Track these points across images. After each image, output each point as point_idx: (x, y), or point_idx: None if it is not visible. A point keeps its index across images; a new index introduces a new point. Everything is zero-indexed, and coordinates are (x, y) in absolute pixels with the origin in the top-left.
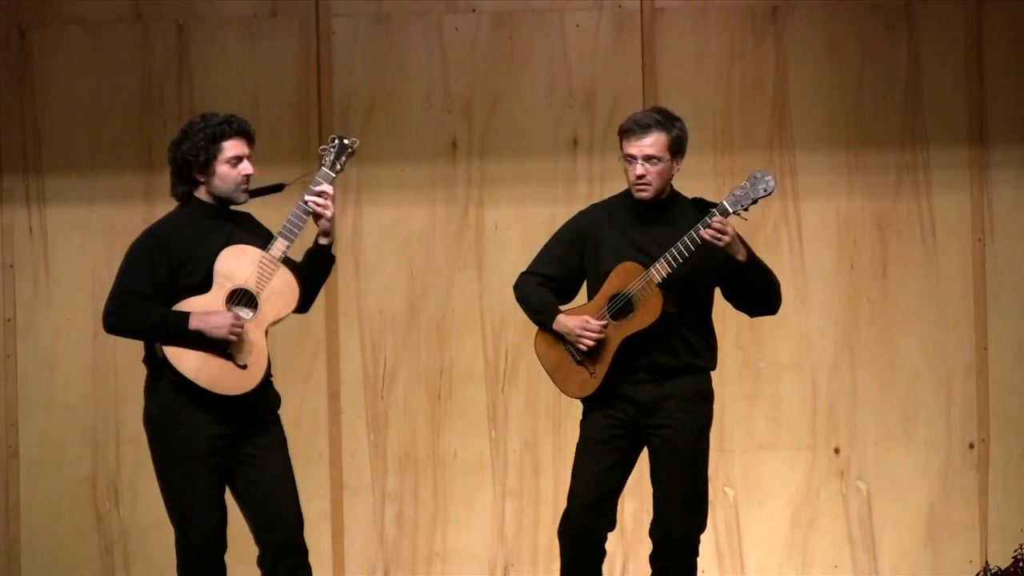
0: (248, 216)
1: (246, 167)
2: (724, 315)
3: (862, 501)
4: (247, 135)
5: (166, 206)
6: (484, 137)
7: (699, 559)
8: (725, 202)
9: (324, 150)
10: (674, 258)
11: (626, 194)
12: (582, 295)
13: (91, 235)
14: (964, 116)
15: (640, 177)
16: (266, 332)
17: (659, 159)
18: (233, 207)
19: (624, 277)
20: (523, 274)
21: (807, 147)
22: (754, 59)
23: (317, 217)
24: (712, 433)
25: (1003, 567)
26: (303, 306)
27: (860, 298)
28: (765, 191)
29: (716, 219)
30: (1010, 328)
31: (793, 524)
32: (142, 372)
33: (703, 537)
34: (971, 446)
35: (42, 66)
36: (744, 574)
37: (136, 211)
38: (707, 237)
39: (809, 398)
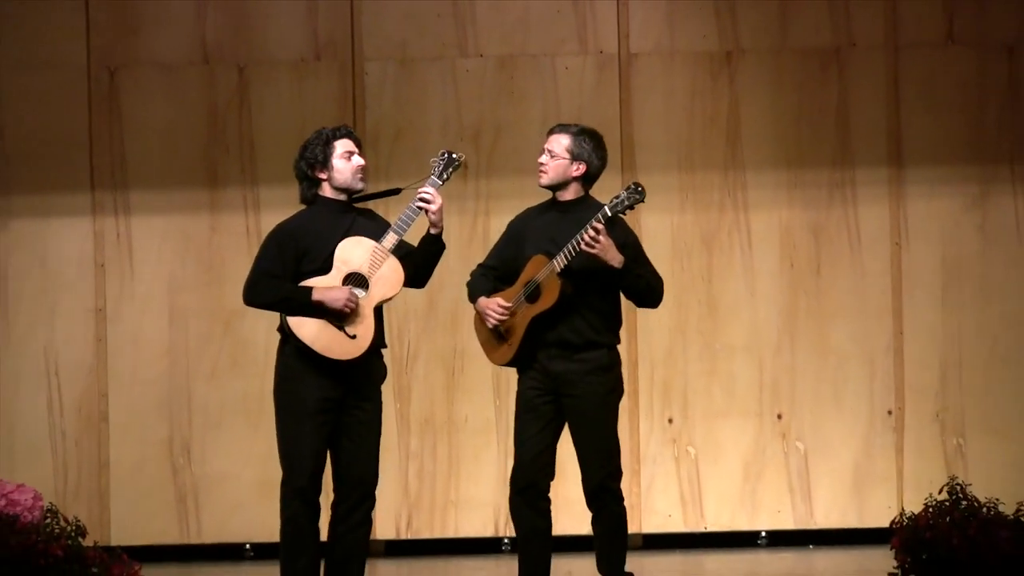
0: (370, 210)
1: (358, 159)
2: (687, 305)
3: (800, 458)
4: (353, 137)
5: (229, 216)
6: (490, 160)
7: (665, 507)
8: (606, 207)
9: (434, 162)
10: (568, 253)
11: (552, 198)
12: None
13: (167, 240)
14: (884, 142)
15: (540, 164)
16: (376, 309)
17: (557, 155)
18: (357, 205)
19: (535, 266)
20: (476, 267)
21: (755, 167)
22: (712, 95)
23: (428, 213)
24: (676, 401)
25: (916, 512)
26: (420, 282)
27: (798, 292)
28: (636, 197)
29: (590, 232)
30: (922, 316)
31: (744, 477)
32: (212, 353)
33: (669, 487)
34: (889, 412)
35: (127, 101)
36: (704, 518)
37: (203, 220)
38: (585, 241)
39: (756, 374)
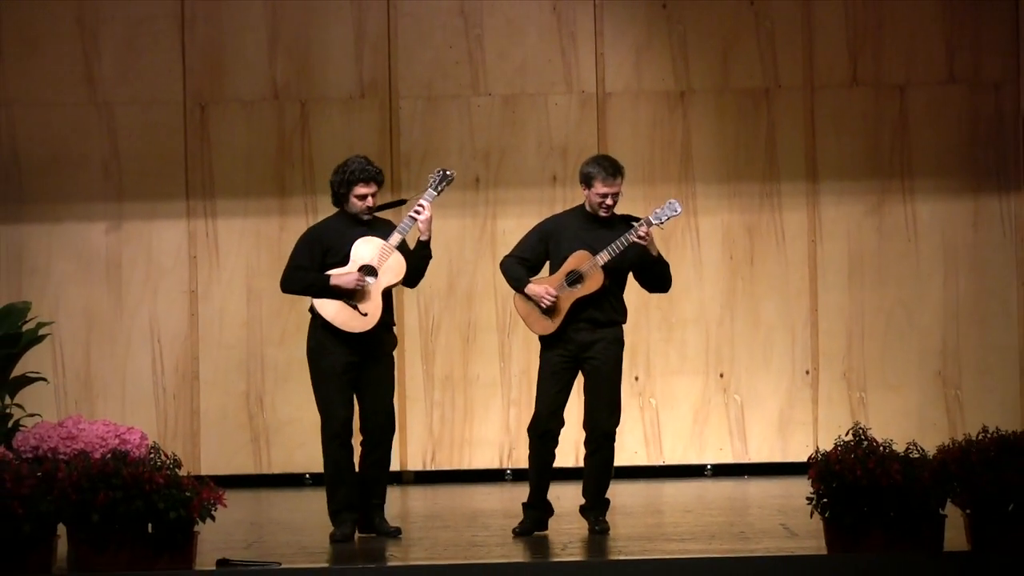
0: (379, 219)
1: (368, 201)
2: None
3: (737, 407)
4: (372, 178)
5: (295, 219)
6: (496, 175)
7: (632, 446)
8: (650, 217)
9: (430, 177)
10: (613, 250)
11: (579, 208)
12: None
13: (245, 237)
14: (803, 162)
15: (612, 205)
16: (383, 294)
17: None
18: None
19: (578, 260)
20: (506, 256)
21: (703, 181)
22: (669, 125)
23: (418, 223)
24: (641, 362)
25: (828, 450)
26: (412, 283)
27: (736, 278)
28: (676, 211)
29: (643, 228)
30: (832, 296)
31: (694, 422)
32: (280, 324)
33: (634, 430)
34: (807, 372)
35: (214, 129)
36: (662, 454)
37: (273, 222)
38: (635, 239)
39: (704, 341)
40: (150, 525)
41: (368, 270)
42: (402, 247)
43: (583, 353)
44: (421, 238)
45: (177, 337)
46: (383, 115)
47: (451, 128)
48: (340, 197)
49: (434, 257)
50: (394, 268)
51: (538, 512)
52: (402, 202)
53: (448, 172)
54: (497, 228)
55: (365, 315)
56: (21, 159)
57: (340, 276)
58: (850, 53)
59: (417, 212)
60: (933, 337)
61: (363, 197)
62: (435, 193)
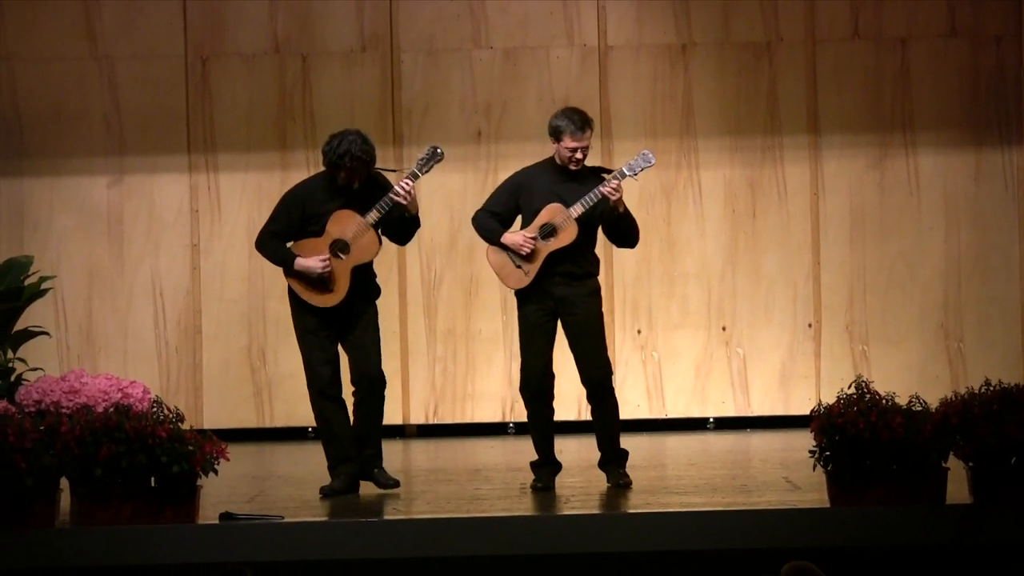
0: (373, 179)
1: (353, 181)
2: (652, 243)
3: (740, 361)
4: (356, 163)
5: (296, 173)
6: (498, 129)
7: (634, 399)
8: (623, 168)
9: (420, 157)
10: (587, 202)
11: (549, 161)
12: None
13: (246, 192)
14: (804, 115)
15: (581, 159)
16: (356, 268)
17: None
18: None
19: (552, 213)
20: (479, 211)
21: (704, 135)
22: (670, 79)
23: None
24: (643, 316)
25: (830, 403)
26: (402, 243)
27: (739, 232)
28: (650, 162)
29: (615, 182)
30: (834, 250)
31: (696, 376)
32: (282, 278)
33: (637, 383)
34: (809, 325)
35: (216, 83)
36: (665, 408)
37: (275, 177)
38: (606, 192)
39: (706, 295)
40: (153, 479)
41: (341, 245)
42: (391, 212)
43: (562, 308)
44: (406, 215)
45: (179, 291)
46: (384, 69)
47: (452, 82)
48: (330, 167)
49: (435, 211)
50: (367, 247)
51: (549, 467)
52: (394, 171)
53: (438, 150)
54: (499, 180)
55: (331, 291)
56: (22, 113)
57: (305, 262)
58: (851, 6)
59: (397, 193)
60: (935, 290)
61: (345, 178)
62: (419, 174)
